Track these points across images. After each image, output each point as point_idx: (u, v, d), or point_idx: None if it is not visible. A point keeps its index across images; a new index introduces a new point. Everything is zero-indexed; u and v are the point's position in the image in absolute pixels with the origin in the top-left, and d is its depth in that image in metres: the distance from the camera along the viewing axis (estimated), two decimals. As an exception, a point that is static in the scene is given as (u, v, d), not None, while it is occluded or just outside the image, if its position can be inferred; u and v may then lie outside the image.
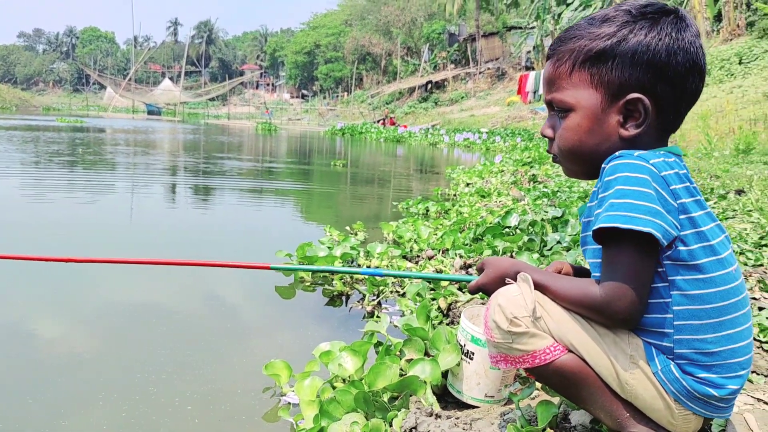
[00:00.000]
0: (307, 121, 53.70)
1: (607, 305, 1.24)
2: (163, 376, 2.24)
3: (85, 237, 4.63)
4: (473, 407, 1.78)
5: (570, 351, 1.30)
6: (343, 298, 3.31)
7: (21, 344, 2.51)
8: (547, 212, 4.24)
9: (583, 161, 1.37)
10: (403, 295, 3.29)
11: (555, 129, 1.40)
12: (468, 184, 8.41)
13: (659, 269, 1.24)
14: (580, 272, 1.51)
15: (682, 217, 1.22)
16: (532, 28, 41.77)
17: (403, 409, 1.60)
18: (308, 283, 3.51)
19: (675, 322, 1.25)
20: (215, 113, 62.62)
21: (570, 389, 1.33)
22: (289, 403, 2.02)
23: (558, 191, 6.14)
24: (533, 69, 40.51)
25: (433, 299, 3.03)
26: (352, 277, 3.55)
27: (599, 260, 1.28)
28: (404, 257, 4.02)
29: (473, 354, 1.75)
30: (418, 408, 1.59)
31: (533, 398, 1.67)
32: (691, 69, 1.28)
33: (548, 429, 1.41)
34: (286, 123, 48.46)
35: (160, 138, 20.18)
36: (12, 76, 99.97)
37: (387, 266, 3.76)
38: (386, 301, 3.22)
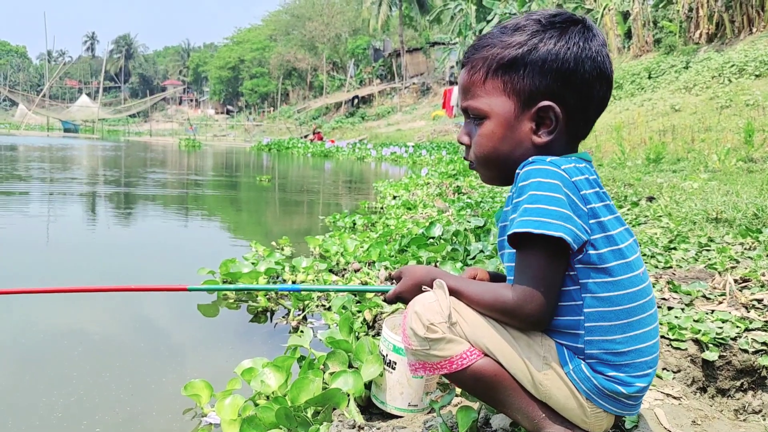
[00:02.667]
0: (233, 137, 52.99)
1: (519, 308, 1.26)
2: (72, 399, 2.14)
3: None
4: (397, 417, 1.78)
5: (486, 355, 1.32)
6: (268, 314, 3.26)
7: None
8: (470, 222, 4.31)
9: (498, 167, 1.40)
10: (329, 309, 3.27)
11: (471, 136, 1.42)
12: (395, 197, 8.46)
13: (571, 273, 1.28)
14: (496, 278, 1.53)
15: (592, 221, 1.26)
16: (455, 43, 42.76)
17: (325, 423, 1.59)
18: (232, 300, 3.44)
19: (586, 324, 1.29)
20: (136, 130, 60.90)
21: (488, 393, 1.35)
22: (211, 423, 1.97)
23: (481, 201, 6.27)
24: (456, 84, 41.39)
25: (359, 311, 3.02)
26: (276, 293, 3.50)
27: (514, 264, 1.31)
28: (330, 271, 4.00)
29: (395, 364, 1.76)
30: (341, 421, 1.58)
31: (454, 405, 1.69)
32: (598, 77, 1.33)
33: (469, 434, 1.43)
34: (211, 139, 47.66)
35: (77, 155, 19.43)
36: None
37: (313, 280, 3.73)
38: (312, 315, 3.19)
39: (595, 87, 1.33)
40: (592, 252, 1.26)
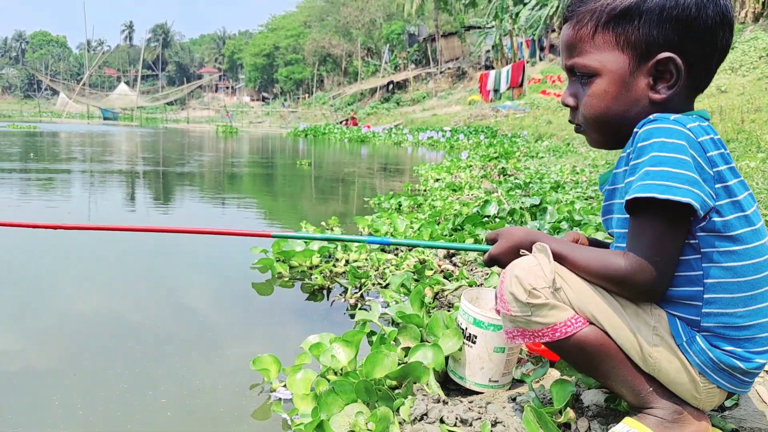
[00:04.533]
0: (269, 124, 53.27)
1: (631, 277, 1.17)
2: (136, 371, 2.11)
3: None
4: (476, 393, 1.70)
5: (591, 323, 1.23)
6: (324, 292, 3.21)
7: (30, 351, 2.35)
8: (524, 201, 4.20)
9: (611, 129, 1.29)
10: (386, 286, 3.21)
11: (578, 97, 1.31)
12: (437, 180, 8.38)
13: (692, 241, 1.17)
14: (594, 244, 1.44)
15: (717, 185, 1.15)
16: (491, 27, 42.18)
17: (410, 397, 1.52)
18: (287, 279, 3.40)
19: (706, 295, 1.18)
20: (174, 117, 61.60)
21: (591, 364, 1.26)
22: (280, 398, 1.92)
23: (530, 182, 6.14)
24: (492, 68, 40.92)
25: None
26: (331, 271, 3.45)
27: (625, 230, 1.21)
28: (383, 250, 3.94)
29: (475, 337, 1.68)
30: (425, 395, 1.51)
31: (544, 379, 1.61)
32: (721, 22, 1.20)
33: (566, 409, 1.34)
34: (247, 126, 47.99)
35: (118, 141, 19.71)
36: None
37: (365, 259, 3.67)
38: (368, 293, 3.13)
39: (719, 34, 1.21)
40: (716, 219, 1.15)
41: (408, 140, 24.25)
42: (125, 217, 5.57)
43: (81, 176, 8.86)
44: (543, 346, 1.45)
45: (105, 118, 53.51)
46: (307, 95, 66.07)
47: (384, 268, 3.44)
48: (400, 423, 1.44)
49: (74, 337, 2.52)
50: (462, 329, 1.72)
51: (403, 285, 2.90)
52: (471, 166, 9.73)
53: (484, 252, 1.41)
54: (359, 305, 2.94)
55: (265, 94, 77.94)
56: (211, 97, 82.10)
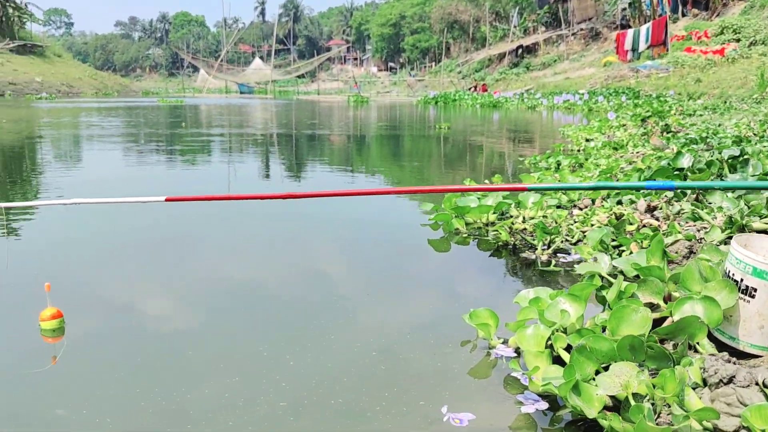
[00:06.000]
0: (396, 93, 53.41)
1: None
2: (340, 321, 2.01)
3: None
4: (750, 357, 1.42)
5: None
6: (509, 248, 2.99)
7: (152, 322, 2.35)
8: (720, 153, 3.74)
9: None
10: (576, 243, 2.94)
11: None
12: (587, 140, 7.90)
13: None
14: None
15: None
16: (629, -18, 39.48)
17: (698, 357, 1.27)
18: (464, 235, 3.21)
19: None
20: (304, 90, 63.33)
21: None
22: (502, 356, 1.73)
23: (707, 137, 5.56)
24: (630, 26, 38.37)
25: (618, 245, 2.67)
26: (511, 227, 3.22)
27: None
28: (558, 206, 3.65)
29: (755, 290, 1.39)
30: (712, 355, 1.26)
31: None
32: None
33: None
34: (375, 96, 48.36)
35: (265, 111, 20.40)
36: (111, 63, 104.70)
37: (542, 216, 3.41)
38: (558, 251, 2.87)
39: None
40: None
41: (542, 104, 23.37)
42: (306, 177, 5.62)
43: (240, 139, 9.15)
44: None
45: (241, 92, 55.98)
46: (433, 63, 65.41)
47: (569, 225, 3.17)
48: (692, 387, 1.20)
49: (286, 289, 2.48)
50: (735, 281, 1.44)
51: (602, 241, 2.62)
52: (624, 125, 9.13)
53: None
54: (553, 261, 2.70)
55: (392, 64, 78.08)
56: (339, 69, 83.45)
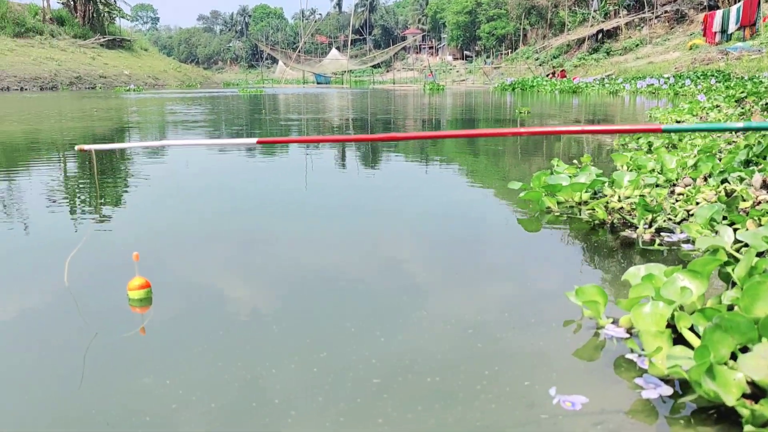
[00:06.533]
0: (472, 81, 52.78)
1: None
2: (422, 306, 1.90)
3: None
4: None
5: None
6: (605, 227, 2.80)
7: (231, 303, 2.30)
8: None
9: None
10: (680, 222, 2.72)
11: None
12: (678, 121, 7.50)
13: None
14: None
15: None
16: (719, -39, 37.44)
17: None
18: (557, 214, 3.04)
19: None
20: (380, 79, 63.47)
21: None
22: (613, 337, 1.58)
23: (820, 115, 5.14)
24: (718, 7, 36.40)
25: (731, 224, 2.44)
26: (606, 206, 3.02)
27: None
28: (657, 185, 3.42)
29: None
30: None
31: None
32: None
33: None
34: (450, 84, 47.90)
35: (341, 99, 20.53)
36: (194, 56, 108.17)
37: (638, 196, 3.19)
38: (661, 230, 2.66)
39: None
40: None
41: (625, 89, 22.52)
42: (390, 162, 5.55)
43: (317, 123, 9.19)
44: None
45: (318, 83, 56.66)
46: (509, 51, 64.18)
47: (670, 204, 2.95)
48: None
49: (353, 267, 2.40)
50: None
51: (712, 219, 2.40)
52: (718, 106, 8.62)
53: None
54: (657, 241, 2.50)
55: (468, 52, 77.12)
56: (414, 58, 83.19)
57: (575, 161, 4.28)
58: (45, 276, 2.23)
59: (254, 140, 1.40)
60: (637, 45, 44.30)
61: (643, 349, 1.42)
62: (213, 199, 3.81)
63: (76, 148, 1.53)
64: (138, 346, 1.65)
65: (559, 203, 3.17)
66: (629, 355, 1.48)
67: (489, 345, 1.61)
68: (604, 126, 1.48)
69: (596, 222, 2.83)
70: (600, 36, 49.70)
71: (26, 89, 33.64)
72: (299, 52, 65.24)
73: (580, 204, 3.16)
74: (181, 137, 7.95)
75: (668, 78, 22.63)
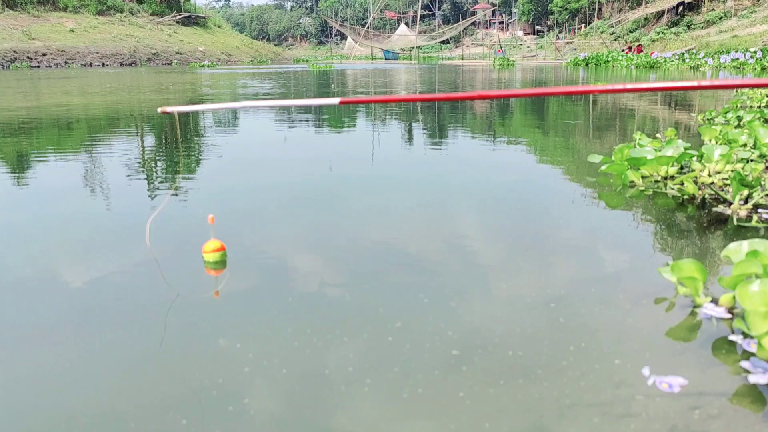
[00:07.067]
0: (543, 57, 51.47)
1: None
2: (503, 283, 1.81)
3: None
4: None
5: None
6: (695, 202, 2.63)
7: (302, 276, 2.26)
8: None
9: None
10: (779, 200, 2.53)
11: None
12: (771, 98, 7.05)
13: None
14: None
15: None
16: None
17: None
18: (641, 188, 2.88)
19: None
20: (448, 55, 62.68)
21: None
22: (711, 317, 1.46)
23: None
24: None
25: None
26: (695, 181, 2.85)
27: None
28: (750, 160, 3.21)
29: None
30: None
31: None
32: None
33: None
34: (521, 60, 46.85)
35: (409, 74, 20.39)
36: (265, 33, 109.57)
37: (730, 171, 2.99)
38: (758, 206, 2.48)
39: None
40: None
41: (707, 64, 21.46)
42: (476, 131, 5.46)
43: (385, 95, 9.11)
44: None
45: (386, 59, 56.42)
46: (583, 25, 62.16)
47: (766, 180, 2.74)
48: None
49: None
50: None
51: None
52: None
53: None
54: (754, 217, 2.33)
55: (539, 27, 75.13)
56: (483, 33, 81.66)
57: (658, 135, 4.08)
58: (128, 237, 2.27)
59: (337, 100, 1.35)
60: (721, 18, 42.12)
61: (749, 331, 1.30)
62: (285, 168, 3.81)
63: (159, 110, 1.52)
64: (213, 309, 1.64)
65: (642, 178, 3.01)
66: (732, 337, 1.36)
67: (573, 320, 1.52)
68: (651, 84, 1.37)
69: (684, 197, 2.67)
70: (680, 9, 47.47)
71: (107, 65, 34.89)
72: (368, 28, 65.01)
73: (665, 179, 2.99)
74: (252, 112, 8.04)
75: (755, 52, 21.43)
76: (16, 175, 3.64)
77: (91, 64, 34.40)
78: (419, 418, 1.14)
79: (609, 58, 28.24)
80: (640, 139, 3.71)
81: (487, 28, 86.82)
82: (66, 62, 33.54)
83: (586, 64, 27.27)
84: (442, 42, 74.11)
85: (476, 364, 1.32)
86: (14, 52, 32.19)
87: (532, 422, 1.12)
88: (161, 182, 3.39)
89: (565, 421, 1.12)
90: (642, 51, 33.92)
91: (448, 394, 1.21)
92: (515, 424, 1.12)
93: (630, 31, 50.04)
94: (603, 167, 3.06)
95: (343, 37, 76.96)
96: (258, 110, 8.10)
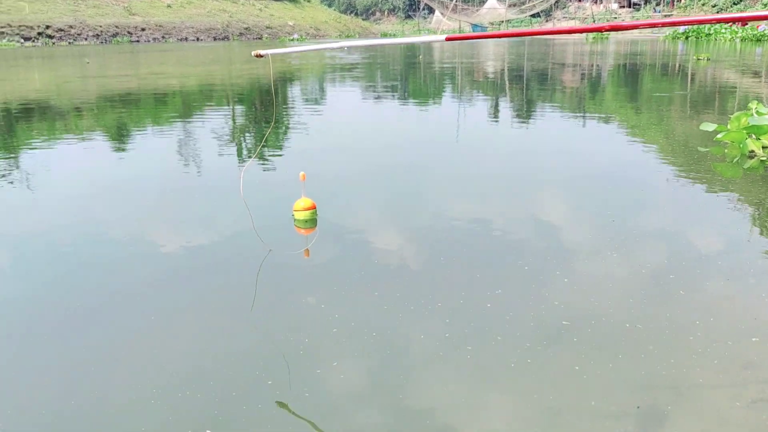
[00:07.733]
0: (638, 32, 49.18)
1: None
2: (611, 252, 1.67)
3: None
4: None
5: None
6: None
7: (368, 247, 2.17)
8: None
9: None
10: None
11: None
12: None
13: None
14: None
15: None
16: None
17: None
18: (763, 158, 2.64)
19: None
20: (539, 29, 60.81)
21: None
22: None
23: None
24: None
25: None
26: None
27: None
28: None
29: None
30: None
31: None
32: None
33: None
34: (614, 33, 44.88)
35: (498, 47, 19.91)
36: (353, 7, 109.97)
37: None
38: None
39: None
40: None
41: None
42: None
43: (471, 67, 8.92)
44: None
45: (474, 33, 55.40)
46: (684, -3, 58.80)
47: None
48: None
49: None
50: None
51: None
52: None
53: None
54: None
55: (635, 0, 71.77)
56: (576, 6, 78.78)
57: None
58: (224, 188, 2.29)
59: (443, 37, 1.26)
60: (842, -12, 38.84)
61: None
62: (373, 137, 3.76)
63: (253, 53, 1.48)
64: (302, 267, 1.59)
65: (763, 148, 2.75)
66: None
67: (694, 295, 1.37)
68: (713, 15, 1.21)
69: (814, 168, 2.41)
70: (794, -22, 44.12)
71: (201, 39, 35.99)
72: (456, 2, 63.96)
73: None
74: (339, 82, 8.03)
75: None
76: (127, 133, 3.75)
77: (186, 39, 35.55)
78: (523, 394, 1.04)
79: (711, 31, 26.59)
80: (757, 107, 3.42)
81: (579, 0, 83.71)
82: (163, 37, 34.84)
83: (686, 38, 25.79)
84: (533, 15, 71.99)
85: (589, 336, 1.21)
86: (116, 27, 33.67)
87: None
88: (255, 134, 3.44)
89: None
90: (747, 24, 31.77)
91: (561, 366, 1.11)
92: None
93: (734, 3, 47.00)
94: (719, 135, 2.82)
95: (431, 11, 75.99)
96: (344, 82, 8.08)
